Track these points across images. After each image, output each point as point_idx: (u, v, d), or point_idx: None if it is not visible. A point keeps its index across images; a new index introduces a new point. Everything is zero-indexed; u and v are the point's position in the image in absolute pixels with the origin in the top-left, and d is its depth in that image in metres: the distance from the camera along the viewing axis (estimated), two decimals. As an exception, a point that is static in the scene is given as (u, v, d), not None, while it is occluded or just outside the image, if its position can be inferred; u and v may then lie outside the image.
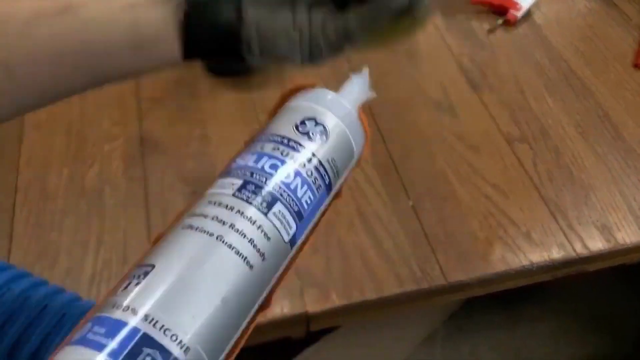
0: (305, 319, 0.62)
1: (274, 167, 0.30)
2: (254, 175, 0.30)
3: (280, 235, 0.29)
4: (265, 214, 0.28)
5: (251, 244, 0.27)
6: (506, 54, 0.90)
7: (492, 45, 0.92)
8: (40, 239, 0.67)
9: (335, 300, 0.62)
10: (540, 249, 0.67)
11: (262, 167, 0.30)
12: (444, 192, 0.72)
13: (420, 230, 0.68)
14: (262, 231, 0.28)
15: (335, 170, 0.33)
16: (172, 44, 0.36)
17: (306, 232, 0.31)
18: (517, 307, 1.34)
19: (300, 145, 0.32)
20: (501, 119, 0.81)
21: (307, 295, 0.62)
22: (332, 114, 0.34)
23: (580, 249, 0.67)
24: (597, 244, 0.67)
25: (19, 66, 0.33)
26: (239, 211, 0.28)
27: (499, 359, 1.23)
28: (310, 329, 0.64)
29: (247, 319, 0.27)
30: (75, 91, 0.38)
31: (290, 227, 0.29)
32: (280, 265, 0.29)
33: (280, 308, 0.61)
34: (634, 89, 0.85)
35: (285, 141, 0.32)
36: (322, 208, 0.32)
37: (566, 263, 0.67)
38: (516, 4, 0.95)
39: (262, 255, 0.28)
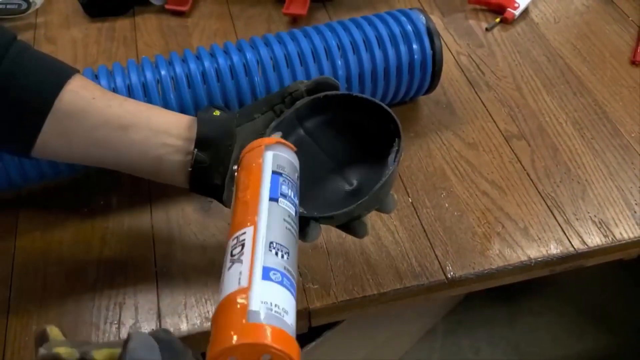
0: (307, 314, 0.63)
1: None
2: None
3: None
4: None
5: None
6: (504, 52, 0.91)
7: (490, 43, 0.93)
8: (45, 236, 0.68)
9: (336, 296, 0.63)
10: (538, 245, 0.67)
11: None
12: (443, 188, 0.73)
13: (419, 226, 0.69)
14: None
15: None
16: (181, 183, 0.53)
17: None
18: (516, 302, 1.35)
19: None
20: (499, 117, 0.81)
21: (309, 291, 0.63)
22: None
23: (578, 245, 0.67)
24: (594, 239, 0.68)
25: (76, 146, 0.48)
26: None
27: (499, 353, 1.24)
28: (312, 325, 0.65)
29: None
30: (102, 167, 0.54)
31: None
32: None
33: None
34: (631, 85, 0.85)
35: None
36: None
37: (564, 258, 0.67)
38: (513, 2, 0.95)
39: None
